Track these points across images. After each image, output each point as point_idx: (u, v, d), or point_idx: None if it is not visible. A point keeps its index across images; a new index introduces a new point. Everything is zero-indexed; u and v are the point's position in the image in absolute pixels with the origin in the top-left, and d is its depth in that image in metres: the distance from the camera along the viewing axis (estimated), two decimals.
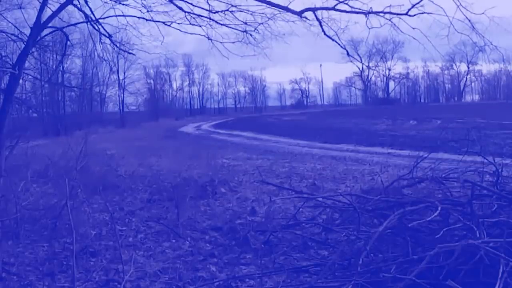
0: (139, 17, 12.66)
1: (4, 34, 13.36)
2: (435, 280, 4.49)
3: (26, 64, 13.31)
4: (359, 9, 11.98)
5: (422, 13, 11.70)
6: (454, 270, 4.53)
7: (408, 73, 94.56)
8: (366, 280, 4.81)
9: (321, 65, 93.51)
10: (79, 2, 12.33)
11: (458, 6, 11.20)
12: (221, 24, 12.47)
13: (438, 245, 4.69)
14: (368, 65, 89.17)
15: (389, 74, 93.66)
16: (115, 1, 12.38)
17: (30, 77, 17.92)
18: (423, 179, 8.39)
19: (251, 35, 12.63)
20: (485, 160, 7.80)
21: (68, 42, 14.58)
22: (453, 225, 5.59)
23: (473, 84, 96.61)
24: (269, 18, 12.37)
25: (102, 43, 13.67)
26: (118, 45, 14.08)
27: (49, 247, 7.21)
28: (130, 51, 14.45)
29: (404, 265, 4.93)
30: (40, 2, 11.96)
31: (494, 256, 4.46)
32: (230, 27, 12.57)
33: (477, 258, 4.52)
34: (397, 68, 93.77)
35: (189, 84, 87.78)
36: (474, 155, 9.12)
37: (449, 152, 15.52)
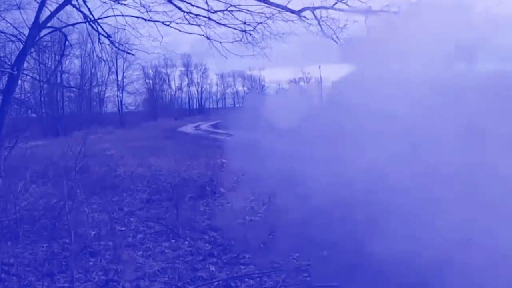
0: (138, 17, 12.66)
1: (2, 34, 13.35)
2: None
3: (25, 65, 13.29)
4: (358, 8, 12.00)
5: (422, 12, 11.68)
6: None
7: None
8: None
9: (320, 65, 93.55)
10: (77, 2, 12.33)
11: (458, 5, 11.19)
12: (220, 24, 12.47)
13: None
14: None
15: None
16: (114, 1, 12.38)
17: (29, 77, 17.93)
18: None
19: (250, 34, 12.64)
20: None
21: (67, 42, 14.56)
22: None
23: None
24: (268, 18, 12.38)
25: (101, 43, 13.68)
26: (117, 45, 14.08)
27: (48, 248, 7.19)
28: (129, 51, 14.45)
29: None
30: (38, 3, 11.95)
31: None
32: (229, 27, 12.58)
33: None
34: None
35: (188, 84, 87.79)
36: None
37: None
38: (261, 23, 12.42)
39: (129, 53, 14.70)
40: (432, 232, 4.48)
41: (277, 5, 12.22)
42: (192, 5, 12.28)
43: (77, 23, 13.05)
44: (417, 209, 4.78)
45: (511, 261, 4.12)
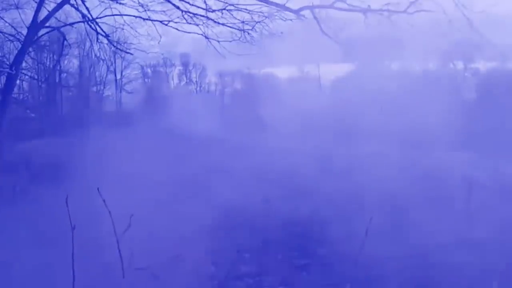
0: (136, 16, 12.63)
1: (1, 34, 13.31)
2: None
3: (23, 64, 13.27)
4: (357, 7, 12.01)
5: (421, 11, 11.72)
6: None
7: None
8: None
9: (319, 64, 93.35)
10: (76, 1, 12.30)
11: (456, 4, 11.22)
12: (218, 23, 12.45)
13: None
14: None
15: None
16: (112, 1, 12.36)
17: (27, 77, 17.89)
18: None
19: (248, 33, 12.61)
20: None
21: (65, 42, 14.53)
22: None
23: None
24: (266, 17, 12.37)
25: (99, 42, 13.62)
26: (115, 44, 14.03)
27: (47, 247, 7.18)
28: (127, 50, 14.40)
29: None
30: (36, 2, 11.93)
31: None
32: (228, 26, 12.55)
33: None
34: None
35: (186, 83, 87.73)
36: None
37: None
38: (259, 22, 12.41)
39: (127, 53, 14.65)
40: None
41: (276, 4, 12.23)
42: (191, 4, 12.27)
43: (76, 22, 13.02)
44: None
45: None
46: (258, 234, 8.13)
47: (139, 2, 12.33)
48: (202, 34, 12.67)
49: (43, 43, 15.31)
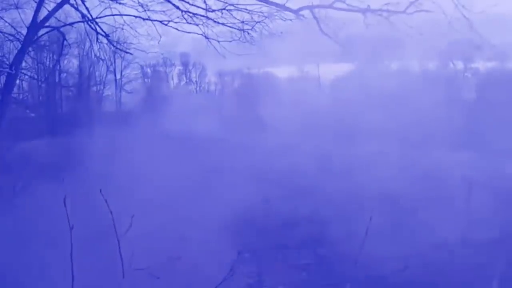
0: (136, 16, 12.64)
1: (1, 34, 13.32)
2: None
3: (23, 64, 13.27)
4: (357, 7, 12.02)
5: (420, 11, 11.73)
6: None
7: None
8: None
9: (318, 64, 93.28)
10: (75, 1, 12.31)
11: (456, 5, 11.23)
12: (218, 23, 12.46)
13: None
14: None
15: None
16: (112, 0, 12.36)
17: (27, 77, 17.89)
18: None
19: (248, 33, 12.62)
20: None
21: (65, 42, 14.52)
22: None
23: None
24: (266, 17, 12.38)
25: (99, 42, 13.62)
26: (115, 44, 14.03)
27: (47, 247, 7.18)
28: (127, 50, 14.40)
29: None
30: (36, 2, 11.94)
31: None
32: (227, 26, 12.57)
33: None
34: None
35: (186, 83, 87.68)
36: None
37: None
38: (259, 22, 12.42)
39: (127, 53, 14.65)
40: None
41: (276, 4, 12.24)
42: (190, 4, 12.28)
43: (75, 22, 13.02)
44: None
45: None
46: (258, 234, 8.16)
47: (139, 2, 12.34)
48: (202, 34, 12.68)
49: (43, 43, 15.31)
